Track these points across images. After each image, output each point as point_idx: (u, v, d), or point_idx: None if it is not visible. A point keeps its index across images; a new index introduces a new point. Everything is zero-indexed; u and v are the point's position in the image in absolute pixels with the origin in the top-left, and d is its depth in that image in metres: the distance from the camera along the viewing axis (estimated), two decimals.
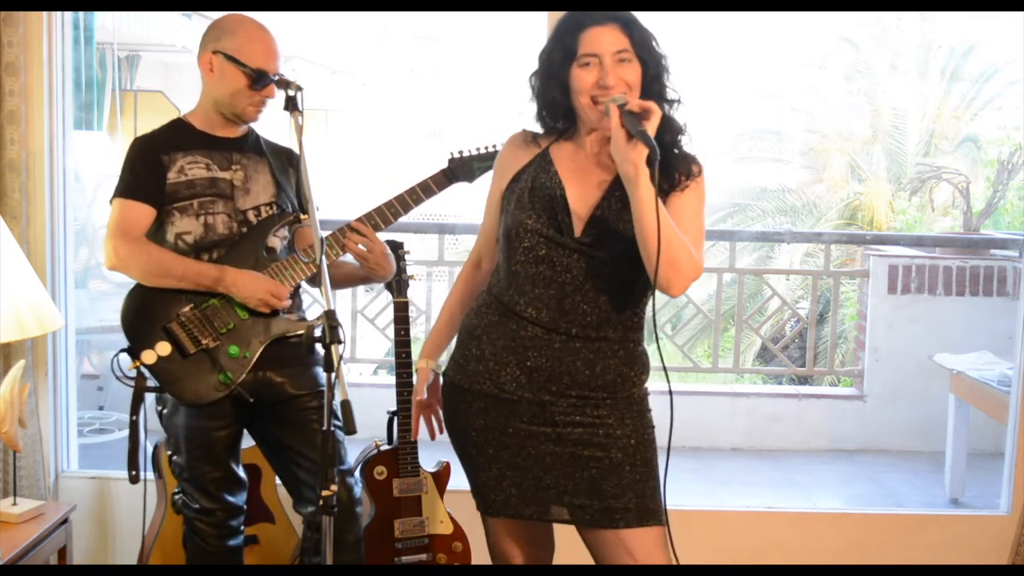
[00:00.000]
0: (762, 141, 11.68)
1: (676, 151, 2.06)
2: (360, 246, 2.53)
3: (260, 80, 2.44)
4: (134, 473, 2.52)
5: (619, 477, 2.06)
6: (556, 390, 2.06)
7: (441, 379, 2.25)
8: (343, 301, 5.10)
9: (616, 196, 2.02)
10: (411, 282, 2.99)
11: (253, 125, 2.61)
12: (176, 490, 2.70)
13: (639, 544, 2.07)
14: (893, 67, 11.54)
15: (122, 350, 2.48)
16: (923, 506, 4.49)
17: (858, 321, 5.95)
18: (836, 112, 11.98)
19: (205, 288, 2.44)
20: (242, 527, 2.66)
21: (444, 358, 2.32)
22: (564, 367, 2.05)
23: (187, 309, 2.45)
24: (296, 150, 2.35)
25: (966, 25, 11.17)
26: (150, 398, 2.61)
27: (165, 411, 2.58)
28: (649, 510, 2.08)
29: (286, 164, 2.63)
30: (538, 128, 2.16)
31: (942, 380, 4.56)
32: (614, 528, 2.07)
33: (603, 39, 1.99)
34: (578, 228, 2.03)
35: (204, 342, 2.45)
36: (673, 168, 2.02)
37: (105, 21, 5.60)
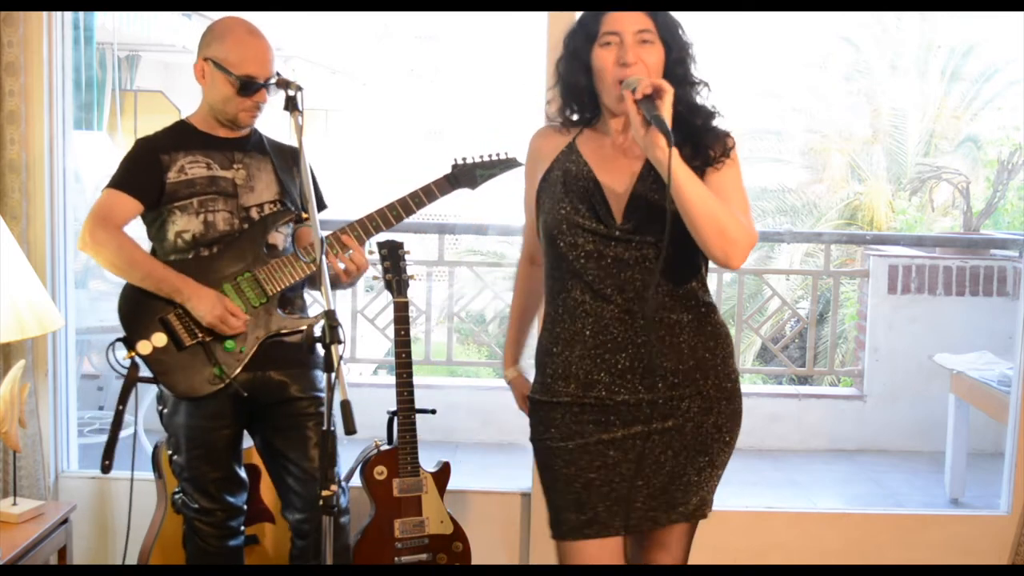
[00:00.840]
0: (762, 141, 11.67)
1: (707, 131, 2.04)
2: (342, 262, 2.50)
3: (247, 88, 2.44)
4: (107, 463, 2.52)
5: (686, 475, 2.08)
6: (652, 384, 2.02)
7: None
8: (343, 301, 5.10)
9: (648, 179, 2.00)
10: (411, 282, 3.00)
11: (255, 125, 2.61)
12: (176, 490, 2.70)
13: (676, 537, 2.14)
14: (893, 67, 11.54)
15: (118, 339, 2.48)
16: (923, 506, 4.49)
17: (858, 321, 5.95)
18: (836, 112, 11.98)
19: (165, 295, 2.44)
20: (242, 527, 2.66)
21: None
22: (651, 360, 2.01)
23: None
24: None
25: (966, 25, 11.17)
26: (151, 397, 2.61)
27: (166, 411, 2.58)
28: (706, 504, 2.14)
29: (290, 163, 2.62)
30: (558, 123, 2.16)
31: (942, 380, 4.56)
32: (670, 524, 2.11)
33: (625, 19, 1.98)
34: (618, 216, 2.01)
35: (200, 335, 2.45)
36: (706, 147, 2.02)
37: (105, 21, 5.59)
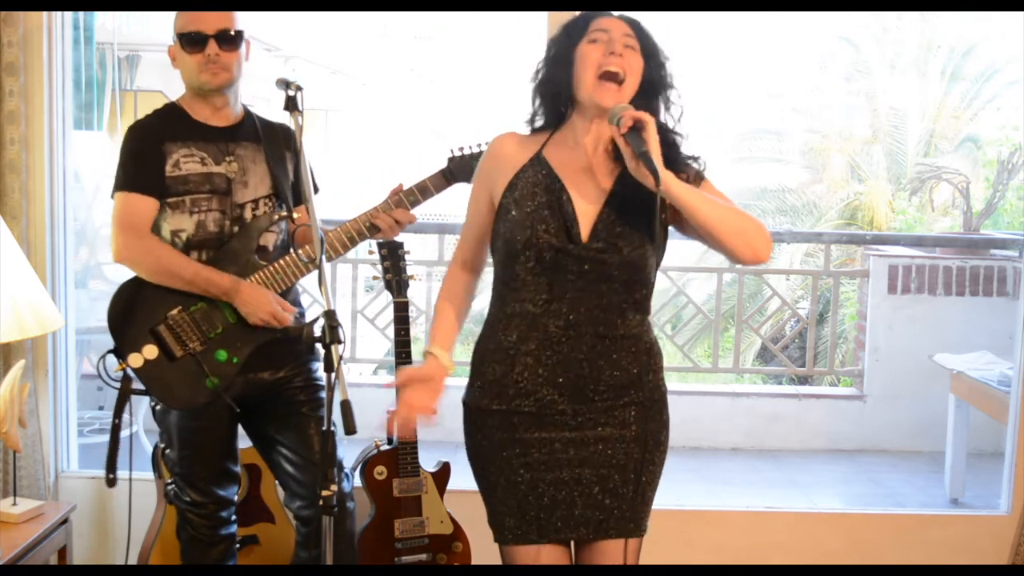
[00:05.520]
0: (762, 141, 11.67)
1: (676, 159, 2.06)
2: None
3: (192, 42, 2.43)
4: (111, 476, 2.51)
5: (627, 486, 2.06)
6: (590, 396, 2.03)
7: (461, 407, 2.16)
8: (343, 301, 5.10)
9: (618, 200, 2.02)
10: (411, 282, 2.99)
11: (251, 108, 2.59)
12: (169, 481, 2.71)
13: (616, 554, 2.06)
14: (893, 67, 11.55)
15: (109, 351, 2.46)
16: (923, 506, 4.49)
17: (858, 321, 5.95)
18: (836, 112, 11.98)
19: (213, 296, 2.43)
20: (233, 517, 2.67)
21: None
22: (595, 371, 2.02)
23: (175, 312, 2.43)
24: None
25: (966, 25, 11.18)
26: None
27: (159, 407, 2.58)
28: (642, 520, 2.09)
29: (282, 147, 2.58)
30: (522, 129, 2.16)
31: (942, 380, 4.56)
32: (605, 538, 2.06)
33: (614, 23, 2.03)
34: (585, 234, 2.01)
35: (192, 346, 2.43)
36: (679, 171, 2.03)
37: (105, 21, 5.59)
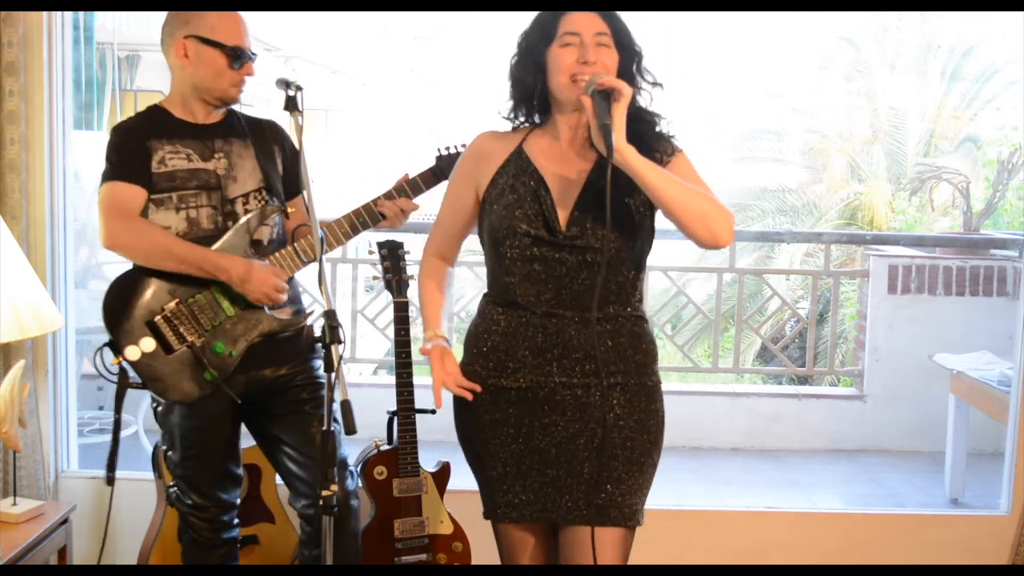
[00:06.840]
0: (762, 141, 11.69)
1: (649, 135, 2.07)
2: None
3: (239, 57, 2.41)
4: (111, 475, 2.50)
5: (612, 471, 2.06)
6: (568, 367, 2.05)
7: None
8: (343, 301, 5.10)
9: (597, 183, 2.03)
10: (411, 282, 2.99)
11: (233, 107, 2.57)
12: (171, 484, 2.70)
13: (602, 543, 2.05)
14: (893, 67, 11.57)
15: (105, 344, 2.43)
16: (923, 506, 4.49)
17: (858, 321, 5.95)
18: (836, 112, 12.00)
19: (207, 275, 2.39)
20: (236, 520, 2.67)
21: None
22: (575, 343, 2.04)
23: (172, 304, 2.42)
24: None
25: (966, 25, 11.20)
26: (147, 396, 2.59)
27: (160, 408, 2.57)
28: (631, 510, 2.07)
29: (270, 141, 2.57)
30: (505, 127, 2.17)
31: (942, 380, 4.56)
32: (594, 525, 2.05)
33: (584, 20, 2.02)
34: (563, 221, 2.04)
35: (189, 339, 2.42)
36: (651, 149, 2.04)
37: (105, 21, 5.59)
